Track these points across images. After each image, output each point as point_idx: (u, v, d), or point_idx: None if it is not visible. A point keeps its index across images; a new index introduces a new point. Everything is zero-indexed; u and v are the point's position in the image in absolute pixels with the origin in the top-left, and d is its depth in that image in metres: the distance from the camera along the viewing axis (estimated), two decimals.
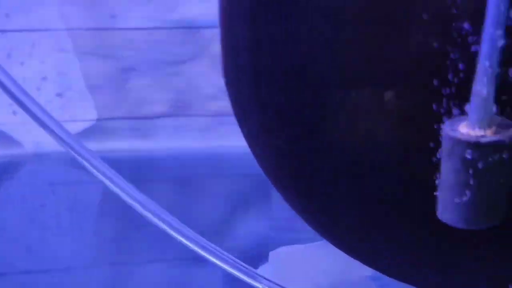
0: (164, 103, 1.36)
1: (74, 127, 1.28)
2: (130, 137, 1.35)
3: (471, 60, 0.39)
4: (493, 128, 0.38)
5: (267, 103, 0.50)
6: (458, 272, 0.56)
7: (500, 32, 0.36)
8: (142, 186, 0.72)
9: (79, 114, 1.33)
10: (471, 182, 0.38)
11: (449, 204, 0.41)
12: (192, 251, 0.68)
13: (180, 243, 0.68)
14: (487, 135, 0.38)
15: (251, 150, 0.54)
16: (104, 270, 0.96)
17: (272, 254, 0.91)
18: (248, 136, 0.54)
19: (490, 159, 0.38)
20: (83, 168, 0.70)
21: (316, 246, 0.88)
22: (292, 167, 0.53)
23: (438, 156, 0.42)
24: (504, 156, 0.38)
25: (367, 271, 0.65)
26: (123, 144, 1.34)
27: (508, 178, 0.39)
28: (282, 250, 0.92)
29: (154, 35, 1.30)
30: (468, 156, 0.38)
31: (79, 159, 0.70)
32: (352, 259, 0.58)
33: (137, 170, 1.24)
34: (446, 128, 0.40)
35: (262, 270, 0.85)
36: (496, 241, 0.51)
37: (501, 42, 0.36)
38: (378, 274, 0.59)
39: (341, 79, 0.48)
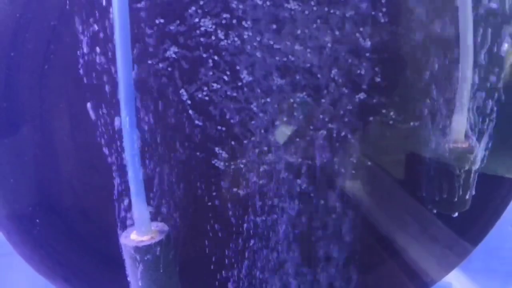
0: None
1: None
2: None
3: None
4: (151, 235, 0.53)
5: None
6: None
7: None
8: None
9: None
10: (139, 275, 0.53)
11: None
12: None
13: None
14: (144, 240, 0.53)
15: None
16: None
17: None
18: None
19: (146, 258, 0.52)
20: None
21: None
22: None
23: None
24: (157, 254, 0.53)
25: None
26: None
27: (166, 269, 0.54)
28: None
29: None
30: (135, 256, 0.53)
31: None
32: None
33: None
34: (122, 236, 0.54)
35: None
36: None
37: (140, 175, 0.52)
38: None
39: None
